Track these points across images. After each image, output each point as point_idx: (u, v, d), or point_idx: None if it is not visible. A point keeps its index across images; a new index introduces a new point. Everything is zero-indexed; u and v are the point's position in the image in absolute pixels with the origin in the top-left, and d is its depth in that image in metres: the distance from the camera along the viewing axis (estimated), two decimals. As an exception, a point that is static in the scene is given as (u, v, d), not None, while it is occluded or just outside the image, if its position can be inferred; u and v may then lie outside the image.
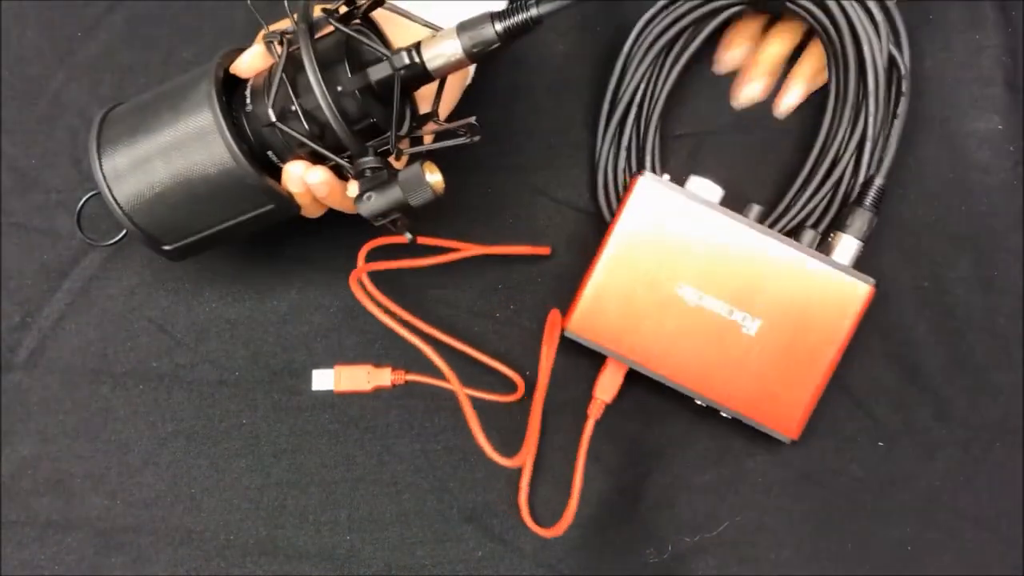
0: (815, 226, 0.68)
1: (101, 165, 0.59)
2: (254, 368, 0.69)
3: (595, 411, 0.67)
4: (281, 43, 0.57)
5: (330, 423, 0.69)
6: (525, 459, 0.64)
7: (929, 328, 0.70)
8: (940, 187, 0.72)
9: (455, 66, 0.55)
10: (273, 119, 0.56)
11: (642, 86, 0.69)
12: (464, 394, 0.62)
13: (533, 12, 0.53)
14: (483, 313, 0.70)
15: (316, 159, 0.59)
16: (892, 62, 0.67)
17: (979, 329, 0.70)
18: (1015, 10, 0.73)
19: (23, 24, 0.71)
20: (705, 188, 0.64)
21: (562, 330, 0.65)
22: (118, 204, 0.59)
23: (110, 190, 0.59)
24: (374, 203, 0.55)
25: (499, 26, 0.54)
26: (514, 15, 0.54)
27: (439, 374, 0.62)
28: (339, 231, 0.70)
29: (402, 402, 0.69)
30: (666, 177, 0.64)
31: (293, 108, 0.56)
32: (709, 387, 0.64)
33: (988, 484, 0.69)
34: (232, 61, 0.60)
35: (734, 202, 0.64)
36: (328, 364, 0.69)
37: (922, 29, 0.72)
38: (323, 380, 0.69)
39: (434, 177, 0.56)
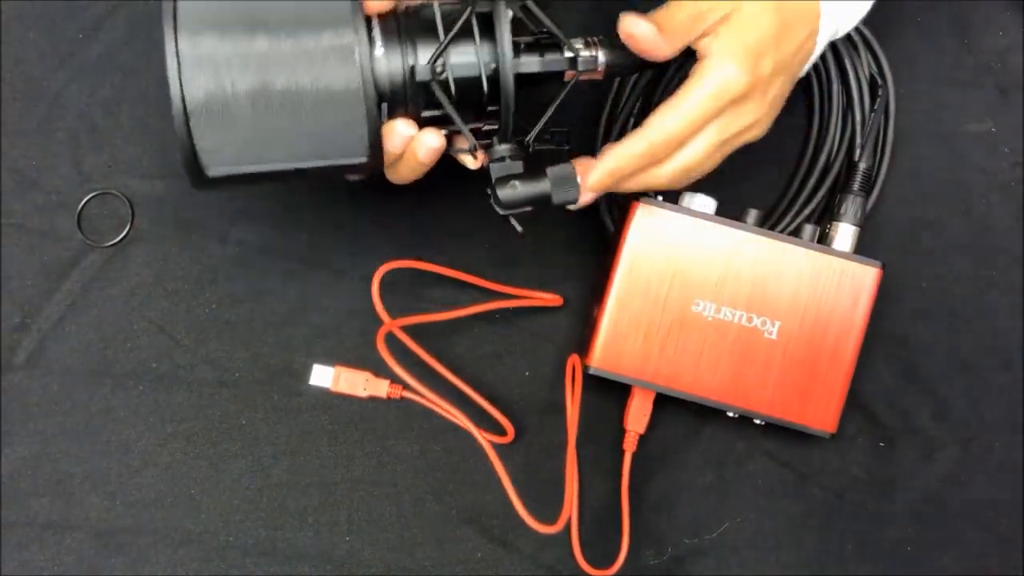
0: (811, 221, 0.68)
1: (177, 38, 0.49)
2: (254, 369, 0.69)
3: (630, 444, 0.67)
4: None
5: (329, 424, 0.69)
6: (564, 522, 0.64)
7: (929, 328, 0.71)
8: (939, 188, 0.72)
9: (589, 76, 0.56)
10: (430, 77, 0.52)
11: (638, 104, 0.70)
12: (495, 456, 0.64)
13: None
14: (482, 316, 0.70)
15: (425, 125, 0.55)
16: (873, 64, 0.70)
17: (979, 329, 0.71)
18: (1010, 10, 0.74)
19: (24, 25, 0.71)
20: (700, 202, 0.64)
21: (585, 367, 0.65)
22: (183, 98, 0.49)
23: (180, 74, 0.48)
24: (520, 192, 0.54)
25: None
26: None
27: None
28: (339, 232, 0.70)
29: (401, 403, 0.69)
30: (659, 198, 0.64)
31: (441, 71, 0.53)
32: (741, 397, 0.64)
33: (988, 484, 0.69)
34: None
35: (729, 207, 0.65)
36: (328, 365, 0.69)
37: (911, 30, 0.73)
38: (321, 376, 0.69)
39: (580, 180, 0.55)
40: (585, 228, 0.71)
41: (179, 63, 0.48)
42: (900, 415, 0.70)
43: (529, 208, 0.55)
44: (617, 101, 0.70)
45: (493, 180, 0.54)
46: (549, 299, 0.70)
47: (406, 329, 0.67)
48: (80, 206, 0.69)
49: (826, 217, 0.69)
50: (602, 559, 0.67)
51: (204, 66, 0.49)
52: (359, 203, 0.70)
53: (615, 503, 0.68)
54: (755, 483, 0.69)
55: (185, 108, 0.49)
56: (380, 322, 0.65)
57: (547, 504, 0.67)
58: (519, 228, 0.56)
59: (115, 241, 0.69)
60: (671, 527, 0.69)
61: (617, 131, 0.69)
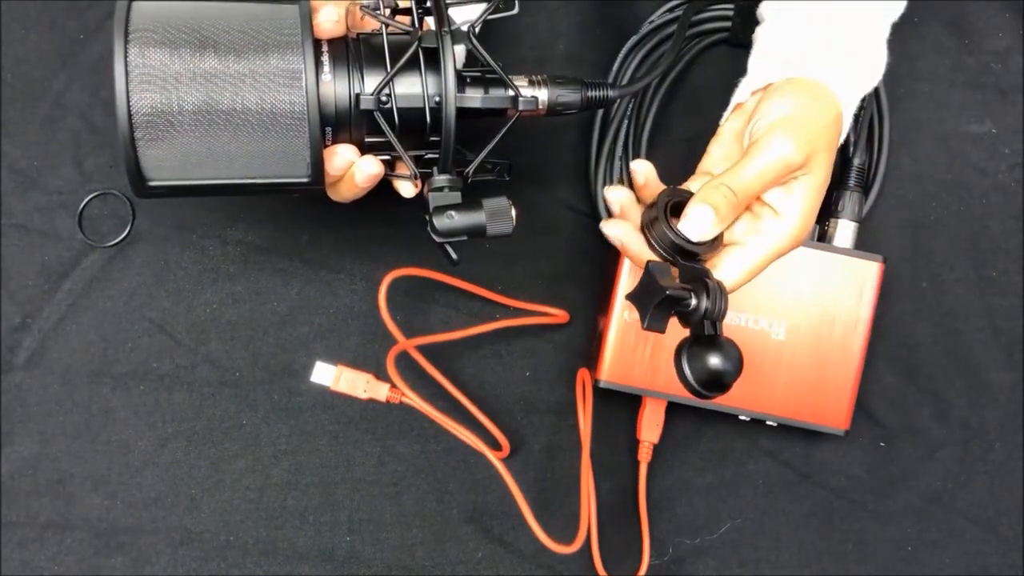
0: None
1: (127, 51, 0.50)
2: (254, 369, 0.69)
3: (645, 454, 0.67)
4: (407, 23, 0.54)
5: (330, 424, 0.69)
6: (582, 540, 0.64)
7: (929, 328, 0.71)
8: (938, 188, 0.72)
9: (532, 114, 0.57)
10: (374, 106, 0.53)
11: (631, 107, 0.70)
12: (510, 477, 0.65)
13: (611, 93, 0.59)
14: (484, 314, 0.70)
15: (368, 150, 0.56)
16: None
17: (979, 329, 0.71)
18: (1009, 11, 0.74)
19: (25, 26, 0.71)
20: None
21: (595, 381, 0.65)
22: (129, 110, 0.50)
23: (128, 86, 0.49)
24: (456, 222, 0.54)
25: (589, 93, 0.58)
26: (597, 89, 0.58)
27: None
28: (339, 232, 0.70)
29: (402, 403, 0.69)
30: None
31: (385, 101, 0.54)
32: (753, 401, 0.64)
33: (988, 484, 0.69)
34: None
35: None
36: (330, 364, 0.69)
37: (911, 30, 0.73)
38: (323, 374, 0.69)
39: (514, 213, 0.56)
40: (589, 233, 0.71)
41: (127, 75, 0.49)
42: (900, 415, 0.70)
43: (464, 237, 0.55)
44: (608, 110, 0.70)
45: (430, 209, 0.55)
46: (556, 315, 0.70)
47: (407, 331, 0.67)
48: (81, 206, 0.69)
49: (825, 215, 0.69)
50: (605, 562, 0.67)
51: (152, 81, 0.50)
52: (359, 203, 0.70)
53: (617, 503, 0.68)
54: (755, 483, 0.69)
55: (130, 120, 0.50)
56: (380, 321, 0.65)
57: (548, 507, 0.68)
58: (454, 256, 0.56)
59: (116, 241, 0.69)
60: (671, 527, 0.69)
61: (611, 135, 0.70)
